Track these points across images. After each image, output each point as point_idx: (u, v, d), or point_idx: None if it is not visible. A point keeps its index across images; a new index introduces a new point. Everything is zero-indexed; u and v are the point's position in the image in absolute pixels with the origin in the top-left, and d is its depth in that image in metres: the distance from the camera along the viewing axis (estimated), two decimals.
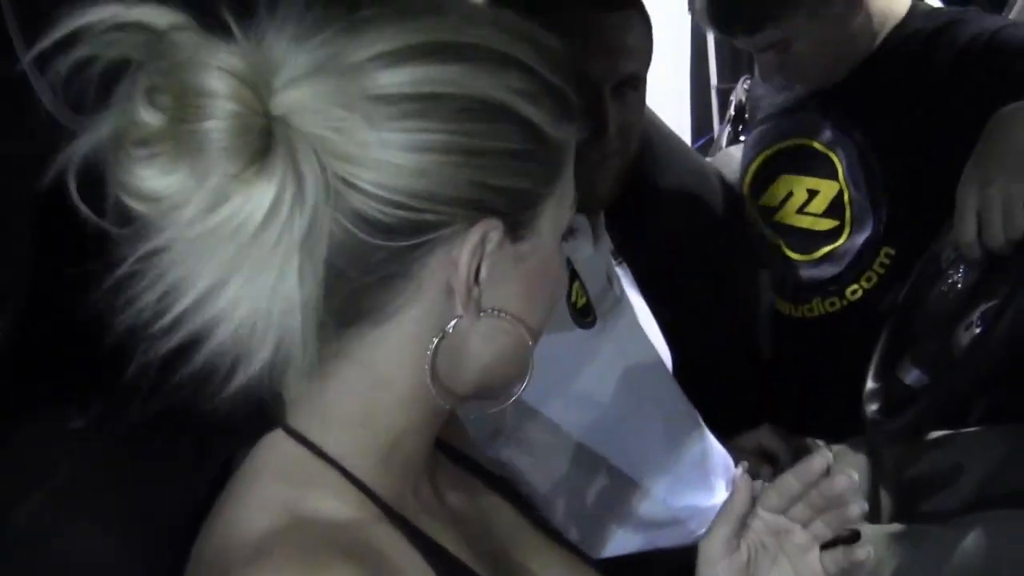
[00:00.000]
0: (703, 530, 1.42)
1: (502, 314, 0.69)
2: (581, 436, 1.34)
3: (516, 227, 0.68)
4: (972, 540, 1.38)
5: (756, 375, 1.89)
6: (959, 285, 1.39)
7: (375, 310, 0.67)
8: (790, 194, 1.80)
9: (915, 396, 1.38)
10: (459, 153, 0.64)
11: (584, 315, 1.31)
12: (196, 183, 0.59)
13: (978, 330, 1.28)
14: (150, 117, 0.59)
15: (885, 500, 1.61)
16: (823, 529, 0.84)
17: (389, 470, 0.71)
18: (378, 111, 0.62)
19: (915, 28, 1.71)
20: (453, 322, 0.68)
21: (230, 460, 0.74)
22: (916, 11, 1.74)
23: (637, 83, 1.38)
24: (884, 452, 1.62)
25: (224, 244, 0.59)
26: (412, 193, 0.63)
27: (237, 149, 0.59)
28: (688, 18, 3.34)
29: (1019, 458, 1.60)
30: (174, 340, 0.60)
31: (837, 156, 1.75)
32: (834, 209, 1.75)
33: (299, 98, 0.61)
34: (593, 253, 1.38)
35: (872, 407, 1.48)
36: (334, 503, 0.68)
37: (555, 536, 0.86)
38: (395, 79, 0.62)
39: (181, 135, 0.58)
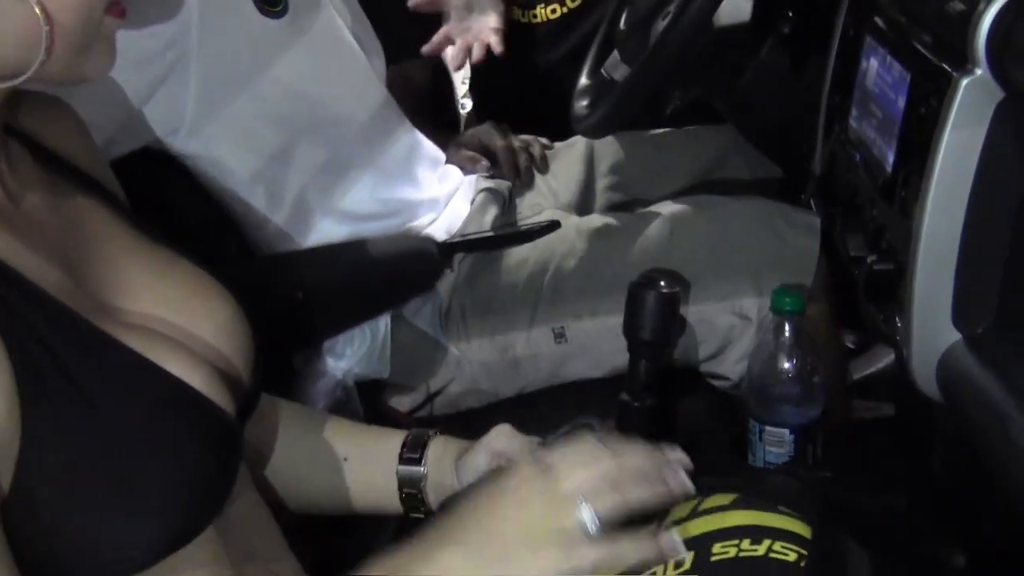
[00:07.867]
0: (412, 223, 1.45)
1: None
2: (278, 127, 1.30)
3: None
4: (672, 219, 1.44)
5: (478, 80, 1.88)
6: None
7: None
8: None
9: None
10: None
11: (273, 4, 1.24)
12: None
13: (670, 18, 1.29)
14: None
15: (600, 192, 1.65)
16: None
17: None
18: None
19: None
20: None
21: None
22: None
23: None
24: (600, 148, 1.65)
25: None
26: None
27: None
28: None
29: (730, 154, 1.68)
30: None
31: None
32: None
33: None
34: None
35: (581, 103, 1.50)
36: None
37: (154, 236, 0.83)
38: None
39: None
